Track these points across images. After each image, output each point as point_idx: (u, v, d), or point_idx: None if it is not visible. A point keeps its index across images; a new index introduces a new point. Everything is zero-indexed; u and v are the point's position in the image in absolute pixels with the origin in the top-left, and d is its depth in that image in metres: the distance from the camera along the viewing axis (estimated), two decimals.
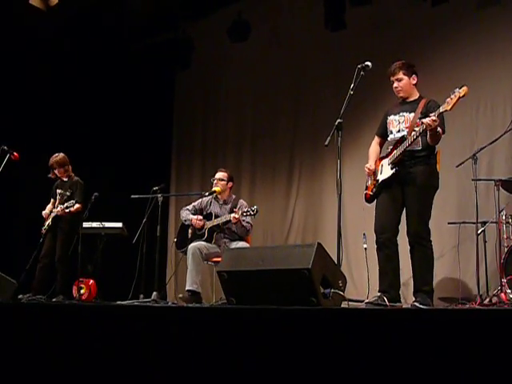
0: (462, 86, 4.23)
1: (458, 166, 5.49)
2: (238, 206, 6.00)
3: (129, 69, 8.71)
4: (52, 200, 6.68)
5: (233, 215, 5.76)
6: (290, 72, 8.20)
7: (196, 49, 8.97)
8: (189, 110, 9.24)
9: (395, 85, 4.73)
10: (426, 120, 4.32)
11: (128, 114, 8.66)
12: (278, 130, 8.30)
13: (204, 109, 9.10)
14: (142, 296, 5.85)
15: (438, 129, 4.38)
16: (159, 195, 6.04)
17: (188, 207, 6.23)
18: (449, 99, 4.26)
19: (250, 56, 8.54)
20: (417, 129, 4.46)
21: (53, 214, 6.42)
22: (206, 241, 5.87)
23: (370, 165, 4.82)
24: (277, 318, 3.00)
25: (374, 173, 4.78)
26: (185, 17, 8.68)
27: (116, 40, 8.54)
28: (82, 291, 6.73)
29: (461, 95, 4.21)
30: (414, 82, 4.74)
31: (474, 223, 5.47)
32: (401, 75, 4.70)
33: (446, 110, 4.29)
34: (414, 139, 4.46)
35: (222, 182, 6.11)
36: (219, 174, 6.17)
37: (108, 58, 8.54)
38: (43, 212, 6.57)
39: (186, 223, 6.11)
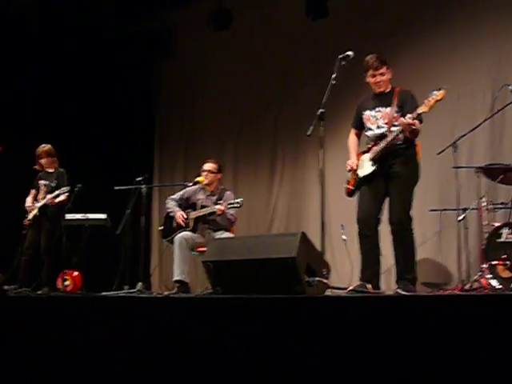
0: (440, 89, 4.31)
1: (438, 154, 5.54)
2: (224, 198, 5.99)
3: (110, 58, 8.65)
4: (33, 191, 6.62)
5: (218, 207, 5.75)
6: (273, 61, 8.19)
7: (178, 38, 8.94)
8: (171, 100, 9.21)
9: (378, 79, 4.70)
10: (403, 122, 4.38)
11: (110, 103, 8.62)
12: (260, 119, 8.31)
13: (186, 98, 9.06)
14: (126, 287, 5.85)
15: (416, 125, 4.42)
16: (143, 186, 6.03)
17: (174, 197, 6.20)
18: (426, 101, 4.34)
19: (232, 45, 8.52)
20: (395, 129, 4.50)
21: (39, 204, 6.38)
22: (191, 231, 5.87)
23: (353, 161, 4.84)
24: (262, 307, 3.03)
25: (356, 168, 4.81)
26: (166, 5, 8.63)
27: (97, 28, 8.47)
28: (67, 283, 6.73)
29: (438, 98, 4.31)
30: (391, 76, 4.75)
31: (455, 210, 5.54)
32: (384, 69, 4.70)
33: (423, 112, 4.37)
34: (392, 139, 4.52)
35: (212, 174, 6.07)
36: (209, 166, 6.10)
37: (89, 46, 8.48)
38: (26, 205, 6.52)
39: (171, 214, 6.09)
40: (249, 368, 2.88)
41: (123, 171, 7.12)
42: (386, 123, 4.62)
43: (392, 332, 2.65)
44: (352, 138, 4.99)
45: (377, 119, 4.71)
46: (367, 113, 4.77)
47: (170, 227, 6.07)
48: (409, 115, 4.39)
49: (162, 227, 6.29)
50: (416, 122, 4.36)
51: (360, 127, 4.90)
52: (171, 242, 5.82)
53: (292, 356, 2.81)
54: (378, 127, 4.69)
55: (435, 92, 4.32)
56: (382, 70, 4.69)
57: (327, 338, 2.77)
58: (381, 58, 4.71)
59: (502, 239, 5.17)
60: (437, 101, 4.30)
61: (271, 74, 8.21)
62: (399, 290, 4.41)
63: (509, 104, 5.22)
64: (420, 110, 4.36)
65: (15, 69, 7.83)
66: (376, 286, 4.54)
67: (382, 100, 4.71)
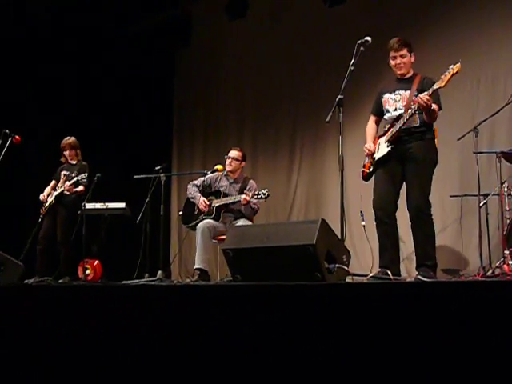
0: (456, 63, 4.27)
1: (459, 139, 5.50)
2: (248, 187, 5.95)
3: (129, 49, 8.68)
4: (53, 182, 6.67)
5: (243, 197, 5.71)
6: (290, 48, 8.16)
7: (194, 27, 8.94)
8: (189, 89, 9.23)
9: (398, 61, 4.68)
10: (419, 98, 4.34)
11: (129, 94, 8.65)
12: (278, 106, 8.29)
13: (204, 87, 9.08)
14: (147, 275, 5.88)
15: (433, 106, 4.39)
16: (162, 175, 6.03)
17: (196, 182, 6.17)
18: (443, 76, 4.30)
19: (248, 33, 8.51)
20: (413, 106, 4.47)
21: (56, 193, 6.42)
22: (213, 219, 5.84)
23: (370, 145, 4.82)
24: (282, 294, 3.03)
25: (372, 153, 4.78)
26: None
27: (115, 20, 8.49)
28: (88, 272, 6.78)
29: (454, 72, 4.26)
30: (413, 60, 4.72)
31: (476, 196, 5.49)
32: (405, 51, 4.66)
33: (440, 87, 4.33)
34: (409, 117, 4.49)
35: (237, 162, 6.06)
36: (234, 153, 6.08)
37: (107, 39, 8.50)
38: (41, 195, 6.56)
39: (192, 200, 6.06)
40: (268, 356, 2.89)
41: (142, 160, 7.16)
42: (404, 105, 4.59)
43: (413, 319, 2.64)
44: (370, 124, 4.96)
45: (395, 101, 4.69)
46: (387, 95, 4.76)
47: (192, 213, 6.03)
48: (425, 93, 4.36)
49: (181, 212, 6.28)
50: (431, 99, 4.31)
51: (379, 114, 4.86)
52: (192, 228, 5.81)
53: (312, 343, 2.82)
54: (396, 109, 4.67)
55: (452, 66, 4.29)
56: (402, 52, 4.66)
57: (348, 324, 2.77)
58: (403, 41, 4.68)
59: None
60: (453, 74, 4.26)
61: (288, 61, 8.17)
62: (420, 277, 4.38)
63: None
64: (436, 86, 4.33)
65: (42, 61, 7.88)
66: (396, 273, 4.51)
67: (403, 84, 4.69)
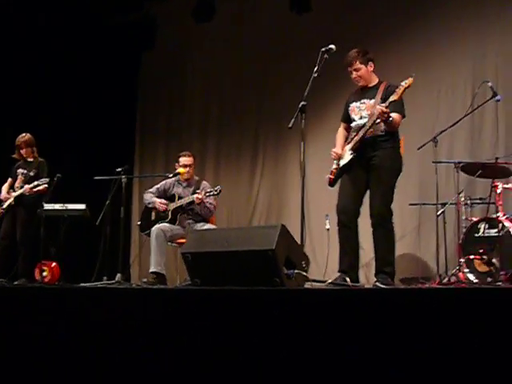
0: (409, 77, 4.40)
1: (419, 149, 5.58)
2: (202, 188, 6.01)
3: (92, 48, 8.57)
4: (10, 180, 6.56)
5: (196, 196, 5.77)
6: (255, 53, 8.18)
7: (161, 29, 8.89)
8: (153, 91, 9.16)
9: (353, 75, 4.75)
10: (376, 111, 4.45)
11: (91, 94, 8.54)
12: (242, 111, 8.30)
13: (168, 89, 9.03)
14: (105, 278, 5.82)
15: (393, 115, 4.46)
16: (123, 177, 5.98)
17: (151, 190, 6.22)
18: (397, 90, 4.42)
19: (215, 37, 8.50)
20: (374, 116, 4.55)
21: (15, 194, 6.32)
22: (169, 222, 5.87)
23: (337, 149, 4.87)
24: (241, 299, 3.03)
25: (339, 158, 4.83)
26: None
27: (80, 19, 8.39)
28: (45, 274, 6.67)
29: (406, 86, 4.40)
30: (372, 69, 4.77)
31: (434, 204, 5.58)
32: (358, 65, 4.72)
33: (394, 100, 4.43)
34: (371, 126, 4.55)
35: (191, 169, 6.12)
36: (188, 160, 6.12)
37: (72, 37, 8.39)
38: (1, 195, 6.45)
39: (150, 206, 6.10)
40: (225, 359, 2.89)
41: (103, 161, 7.07)
42: (369, 114, 4.65)
43: (369, 325, 2.67)
44: (340, 130, 5.02)
45: (360, 110, 4.75)
46: (353, 104, 4.82)
47: (149, 220, 6.07)
48: (382, 104, 4.44)
49: (139, 222, 6.31)
50: (388, 110, 4.39)
51: (348, 121, 4.92)
52: (149, 235, 5.82)
53: (269, 347, 2.82)
54: (361, 118, 4.72)
55: (405, 81, 4.42)
56: (355, 66, 4.73)
57: (305, 330, 2.78)
58: (354, 55, 4.74)
59: (479, 234, 5.23)
60: (406, 88, 4.40)
61: (253, 66, 8.20)
62: (378, 284, 4.43)
63: (488, 100, 5.26)
64: (391, 99, 4.43)
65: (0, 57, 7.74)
66: (355, 279, 4.55)
67: (368, 93, 4.75)
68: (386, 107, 4.40)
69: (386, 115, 4.40)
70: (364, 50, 4.79)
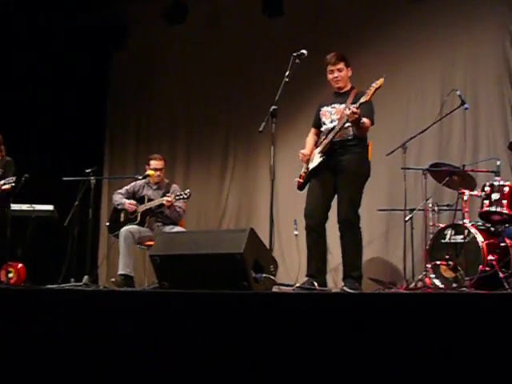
0: (380, 78, 4.46)
1: (388, 155, 5.62)
2: (172, 191, 5.99)
3: (62, 48, 8.47)
4: None
5: (166, 198, 5.75)
6: (227, 57, 8.17)
7: (132, 30, 8.82)
8: (124, 92, 9.08)
9: (335, 74, 4.79)
10: (346, 111, 4.46)
11: (61, 93, 8.44)
12: (213, 114, 8.28)
13: (139, 91, 8.96)
14: (72, 280, 5.77)
15: (363, 120, 4.51)
16: (92, 178, 5.93)
17: (120, 191, 6.18)
18: (368, 90, 4.48)
19: (186, 39, 8.47)
20: (344, 119, 4.59)
21: None
22: (138, 224, 5.84)
23: (305, 151, 4.89)
24: (208, 302, 3.03)
25: (308, 161, 4.86)
26: None
27: (49, 17, 8.29)
28: (11, 275, 6.56)
29: (377, 86, 4.46)
30: (350, 74, 4.84)
31: (402, 210, 5.63)
32: (342, 65, 4.78)
33: (365, 101, 4.48)
34: (340, 129, 4.60)
35: (162, 173, 6.11)
36: (159, 164, 6.11)
37: (41, 35, 8.28)
38: None
39: (119, 207, 6.06)
40: (191, 362, 2.88)
41: (73, 162, 7.00)
42: (338, 118, 4.69)
43: (337, 328, 2.69)
44: (310, 135, 5.05)
45: (331, 114, 4.79)
46: (324, 108, 4.88)
47: (118, 222, 6.04)
48: (352, 105, 4.49)
49: (108, 223, 6.25)
50: (358, 111, 4.43)
51: (319, 126, 4.95)
52: (118, 236, 5.78)
53: (236, 351, 2.82)
54: (331, 122, 4.76)
55: (376, 81, 4.47)
56: (339, 66, 4.78)
57: (273, 333, 2.79)
58: (340, 55, 4.81)
59: (446, 240, 5.28)
60: (376, 89, 4.46)
61: (225, 69, 8.19)
62: (345, 288, 4.46)
63: (456, 109, 5.33)
64: (362, 100, 4.49)
65: None
66: (322, 283, 4.58)
67: (340, 98, 4.80)
68: (357, 108, 4.44)
69: (356, 116, 4.43)
70: (345, 56, 4.85)
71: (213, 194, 8.12)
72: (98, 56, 8.86)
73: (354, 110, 4.42)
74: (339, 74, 4.79)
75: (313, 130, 5.06)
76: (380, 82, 4.45)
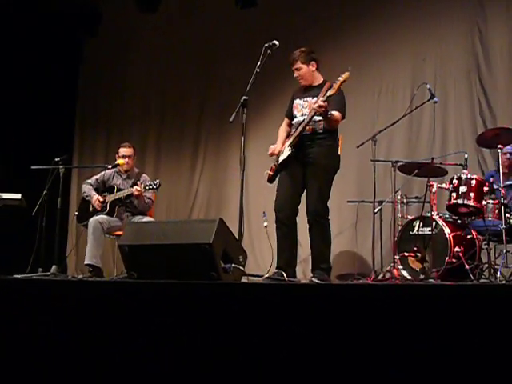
0: (346, 72, 4.52)
1: (358, 147, 5.66)
2: (141, 180, 5.95)
3: (33, 35, 8.33)
4: None
5: (135, 188, 5.70)
6: (200, 46, 8.14)
7: (104, 17, 8.72)
8: (95, 80, 8.97)
9: (296, 74, 4.85)
10: (314, 105, 4.50)
11: (30, 81, 8.32)
12: (185, 104, 8.25)
13: (110, 79, 8.87)
14: (40, 270, 5.71)
15: (334, 112, 4.54)
16: (61, 166, 5.87)
17: (90, 181, 6.11)
18: (334, 84, 4.53)
19: (158, 28, 8.41)
20: (312, 112, 4.61)
21: None
22: (107, 214, 5.79)
23: (275, 146, 4.91)
24: (177, 292, 3.02)
25: (278, 155, 4.87)
26: None
27: (20, 3, 8.14)
28: None
29: (343, 80, 4.52)
30: (314, 68, 4.85)
31: (371, 202, 5.68)
32: (299, 65, 4.81)
33: (332, 94, 4.52)
34: (307, 123, 4.63)
35: (131, 159, 6.05)
36: (128, 151, 6.05)
37: (11, 21, 8.14)
38: None
39: (87, 198, 5.99)
40: (159, 352, 2.88)
41: (42, 150, 6.91)
42: (309, 112, 4.71)
43: (305, 319, 2.70)
44: (283, 126, 5.07)
45: (303, 108, 4.81)
46: (297, 101, 4.90)
47: (87, 211, 5.96)
48: (319, 98, 4.53)
49: (77, 213, 6.20)
50: (325, 105, 4.45)
51: (291, 117, 4.97)
52: (86, 226, 5.73)
53: (204, 341, 2.82)
54: (302, 115, 4.78)
55: (342, 75, 4.53)
56: (296, 66, 4.83)
57: (241, 324, 2.80)
58: (296, 55, 4.83)
59: (414, 232, 5.35)
60: (342, 82, 4.51)
61: (197, 59, 8.15)
62: (314, 279, 4.50)
63: (426, 102, 5.38)
64: (329, 93, 4.54)
65: None
66: (292, 274, 4.61)
67: (312, 91, 4.82)
68: (324, 101, 4.47)
69: (322, 109, 4.46)
70: (308, 50, 4.85)
71: (183, 184, 8.10)
72: (70, 43, 8.74)
73: (321, 103, 4.46)
74: (299, 73, 4.84)
75: (285, 120, 5.07)
76: (345, 75, 4.50)
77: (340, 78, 4.50)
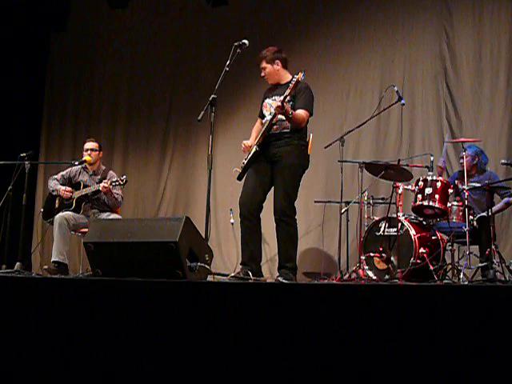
0: (299, 72, 4.58)
1: (326, 148, 5.70)
2: (108, 177, 5.91)
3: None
4: None
5: (102, 184, 5.66)
6: (169, 44, 8.10)
7: (73, 11, 8.62)
8: (62, 75, 8.86)
9: (262, 73, 4.91)
10: (273, 106, 4.60)
11: None
12: (153, 101, 8.20)
13: (78, 75, 8.75)
14: (4, 266, 5.64)
15: (293, 112, 4.59)
16: (26, 162, 5.80)
17: (56, 176, 6.06)
18: (290, 85, 4.59)
19: (128, 24, 8.35)
20: (273, 112, 4.65)
21: None
22: (73, 211, 5.74)
23: (248, 142, 4.92)
24: (142, 290, 3.01)
25: (249, 151, 4.89)
26: None
27: None
28: None
29: (296, 81, 4.57)
30: (278, 67, 4.88)
31: (338, 203, 5.72)
32: (264, 64, 4.88)
33: (289, 94, 4.57)
34: (269, 122, 4.69)
35: (95, 153, 6.00)
36: (91, 145, 6.02)
37: None
38: None
39: (54, 193, 5.94)
40: (124, 350, 2.86)
41: (7, 146, 6.82)
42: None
43: (270, 318, 2.71)
44: (256, 125, 5.10)
45: (271, 107, 4.83)
46: (266, 100, 4.95)
47: (52, 208, 5.91)
48: (278, 99, 4.59)
49: (42, 209, 6.13)
50: (284, 105, 4.49)
51: (263, 116, 4.98)
52: (52, 223, 5.68)
53: (169, 340, 2.82)
54: (270, 114, 4.80)
55: (295, 76, 4.60)
56: (262, 65, 4.90)
57: (206, 322, 2.80)
58: (261, 55, 4.89)
59: (379, 232, 5.40)
60: (296, 82, 4.56)
61: (167, 56, 8.12)
62: (280, 278, 4.51)
63: (393, 104, 5.45)
64: (286, 93, 4.58)
65: None
66: (256, 269, 4.62)
67: (280, 90, 4.84)
68: (282, 102, 4.50)
69: (279, 109, 4.49)
70: (273, 49, 4.89)
71: (151, 182, 8.05)
72: (37, 37, 8.61)
73: (278, 103, 4.51)
74: (265, 72, 4.90)
75: (259, 120, 5.10)
76: (299, 75, 4.57)
77: (295, 79, 4.57)
